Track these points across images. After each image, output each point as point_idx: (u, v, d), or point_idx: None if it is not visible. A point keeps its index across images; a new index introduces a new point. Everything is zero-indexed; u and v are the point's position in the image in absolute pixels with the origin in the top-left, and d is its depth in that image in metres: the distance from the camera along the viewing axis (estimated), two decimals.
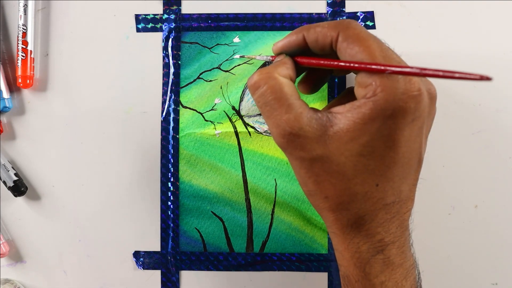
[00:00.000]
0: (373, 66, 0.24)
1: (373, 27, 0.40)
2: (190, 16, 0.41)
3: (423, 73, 0.23)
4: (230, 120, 0.40)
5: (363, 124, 0.25)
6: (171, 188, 0.40)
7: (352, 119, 0.25)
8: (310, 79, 0.34)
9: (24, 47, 0.40)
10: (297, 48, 0.30)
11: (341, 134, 0.25)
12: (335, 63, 0.27)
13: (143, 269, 0.40)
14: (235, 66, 0.40)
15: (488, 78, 0.21)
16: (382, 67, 0.24)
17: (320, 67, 0.29)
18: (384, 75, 0.24)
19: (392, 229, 0.27)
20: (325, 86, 0.40)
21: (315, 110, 0.27)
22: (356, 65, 0.25)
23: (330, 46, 0.28)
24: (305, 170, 0.27)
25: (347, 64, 0.26)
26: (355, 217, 0.27)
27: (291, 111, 0.26)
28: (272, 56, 0.33)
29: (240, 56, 0.39)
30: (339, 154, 0.25)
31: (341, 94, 0.32)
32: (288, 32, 0.40)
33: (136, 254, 0.40)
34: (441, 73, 0.23)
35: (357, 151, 0.25)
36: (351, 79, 0.40)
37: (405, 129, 0.25)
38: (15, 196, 0.39)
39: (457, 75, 0.22)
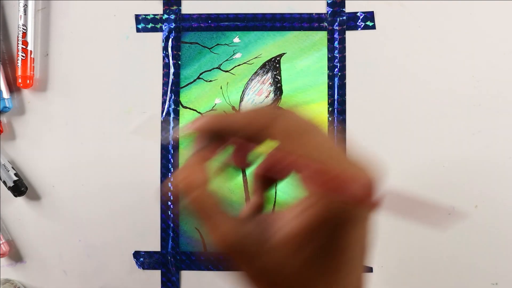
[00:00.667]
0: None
1: (373, 27, 0.40)
2: (190, 16, 0.41)
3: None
4: None
5: (312, 229, 0.22)
6: (171, 188, 0.40)
7: (300, 223, 0.23)
8: (261, 198, 0.30)
9: (24, 47, 0.40)
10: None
11: (286, 242, 0.23)
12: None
13: (143, 269, 0.40)
14: (235, 66, 0.40)
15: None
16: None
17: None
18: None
19: None
20: (325, 90, 0.40)
21: (250, 218, 0.25)
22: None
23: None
24: (255, 284, 0.24)
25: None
26: None
27: (221, 227, 0.24)
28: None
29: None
30: (285, 265, 0.23)
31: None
32: (288, 33, 0.40)
33: (136, 254, 0.40)
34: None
35: (303, 262, 0.23)
36: (351, 75, 0.40)
37: (355, 231, 0.23)
38: (15, 196, 0.39)
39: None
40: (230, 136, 0.26)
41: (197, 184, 0.24)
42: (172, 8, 0.41)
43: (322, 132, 0.24)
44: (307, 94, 0.40)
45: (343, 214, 0.22)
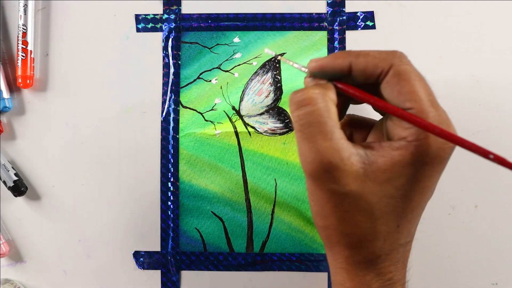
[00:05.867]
0: (428, 126, 0.24)
1: (373, 27, 0.40)
2: (190, 16, 0.41)
3: (479, 150, 0.23)
4: (230, 120, 0.40)
5: (401, 167, 0.24)
6: (171, 188, 0.40)
7: (391, 161, 0.24)
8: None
9: (24, 47, 0.40)
10: (338, 72, 0.27)
11: (377, 174, 0.24)
12: (385, 104, 0.25)
13: (143, 269, 0.40)
14: (235, 66, 0.40)
15: None
16: (438, 131, 0.23)
17: (358, 99, 0.27)
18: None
19: (399, 267, 0.27)
20: None
21: (354, 144, 0.25)
22: (409, 116, 0.24)
23: (376, 78, 0.26)
24: (332, 204, 0.25)
25: (399, 111, 0.24)
26: (372, 256, 0.26)
27: (334, 140, 0.24)
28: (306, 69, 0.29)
29: (277, 55, 0.34)
30: (372, 194, 0.25)
31: (374, 127, 0.30)
32: (288, 33, 0.40)
33: (136, 254, 0.40)
34: (482, 151, 0.23)
35: (390, 193, 0.25)
36: None
37: (437, 176, 0.25)
38: (15, 196, 0.39)
39: (493, 157, 0.22)
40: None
41: (319, 100, 0.25)
42: (172, 8, 0.41)
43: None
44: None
45: (438, 155, 0.24)
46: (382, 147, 0.25)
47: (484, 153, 0.23)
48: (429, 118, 0.24)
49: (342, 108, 0.30)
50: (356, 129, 0.32)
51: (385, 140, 0.27)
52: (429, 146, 0.24)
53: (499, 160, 0.22)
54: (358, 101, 0.29)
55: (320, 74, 0.28)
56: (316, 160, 0.24)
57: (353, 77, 0.27)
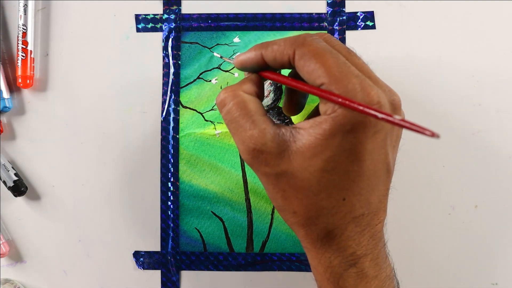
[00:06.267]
0: (331, 97, 0.25)
1: (373, 27, 0.40)
2: (190, 16, 0.41)
3: (369, 113, 0.23)
4: None
5: (324, 139, 0.25)
6: (171, 188, 0.40)
7: (314, 135, 0.25)
8: (291, 100, 0.34)
9: (24, 47, 0.40)
10: (256, 65, 0.29)
11: (303, 150, 0.26)
12: (296, 84, 0.27)
13: (143, 269, 0.40)
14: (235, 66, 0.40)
15: (437, 136, 0.21)
16: (337, 98, 0.24)
17: (280, 83, 0.29)
18: (344, 92, 0.25)
19: (363, 241, 0.27)
20: None
21: (279, 126, 0.27)
22: (314, 90, 0.26)
23: (288, 64, 0.28)
24: (272, 186, 0.27)
25: (305, 87, 0.26)
26: (324, 232, 0.27)
27: (255, 127, 0.27)
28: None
29: (221, 56, 0.39)
30: (302, 170, 0.26)
31: (312, 110, 0.32)
32: (288, 33, 0.40)
33: (136, 254, 0.40)
34: (392, 119, 0.22)
35: (320, 167, 0.26)
36: None
37: (367, 142, 0.26)
38: (15, 196, 0.39)
39: (411, 126, 0.22)
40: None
41: (229, 98, 0.28)
42: (172, 8, 0.41)
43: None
44: (307, 94, 0.40)
45: (358, 122, 0.25)
46: (306, 124, 0.26)
47: (386, 116, 0.23)
48: (339, 89, 0.25)
49: (298, 99, 0.33)
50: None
51: None
52: (345, 114, 0.25)
53: (405, 123, 0.22)
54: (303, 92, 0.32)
55: (244, 69, 0.30)
56: (245, 150, 0.27)
57: (270, 66, 0.29)
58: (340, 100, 0.24)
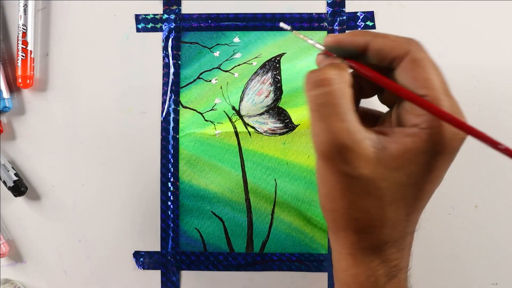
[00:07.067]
0: (443, 115, 0.23)
1: (373, 27, 0.40)
2: (190, 16, 0.41)
3: (483, 137, 0.23)
4: (230, 120, 0.40)
5: (413, 154, 0.24)
6: (171, 188, 0.40)
7: (404, 147, 0.24)
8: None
9: (24, 47, 0.40)
10: (354, 49, 0.27)
11: (389, 160, 0.24)
12: (401, 89, 0.25)
13: (143, 269, 0.40)
14: (235, 66, 0.40)
15: None
16: (453, 120, 0.23)
17: (373, 82, 0.27)
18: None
19: (405, 255, 0.27)
20: None
21: (366, 128, 0.25)
22: (424, 102, 0.24)
23: (390, 61, 0.26)
24: (342, 187, 0.25)
25: (414, 96, 0.24)
26: (379, 242, 0.26)
27: (348, 122, 0.24)
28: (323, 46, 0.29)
29: (290, 30, 0.31)
30: (382, 179, 0.24)
31: (381, 118, 0.30)
32: (289, 32, 0.40)
33: (136, 254, 0.40)
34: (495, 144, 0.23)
35: (400, 180, 0.25)
36: None
37: (446, 166, 0.25)
38: (15, 196, 0.39)
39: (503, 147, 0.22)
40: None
41: (337, 80, 0.25)
42: (172, 8, 0.41)
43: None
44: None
45: (451, 147, 0.24)
46: (394, 133, 0.25)
47: (494, 144, 0.23)
48: (443, 106, 0.24)
49: (357, 95, 0.29)
50: (363, 120, 0.32)
51: None
52: (443, 134, 0.24)
53: (509, 152, 0.22)
54: (369, 95, 0.29)
55: (335, 50, 0.27)
56: (329, 141, 0.24)
57: (367, 57, 0.27)
58: (467, 128, 0.23)
